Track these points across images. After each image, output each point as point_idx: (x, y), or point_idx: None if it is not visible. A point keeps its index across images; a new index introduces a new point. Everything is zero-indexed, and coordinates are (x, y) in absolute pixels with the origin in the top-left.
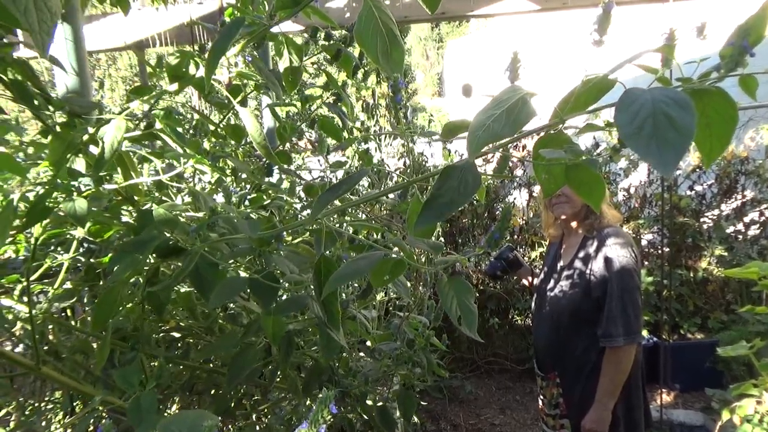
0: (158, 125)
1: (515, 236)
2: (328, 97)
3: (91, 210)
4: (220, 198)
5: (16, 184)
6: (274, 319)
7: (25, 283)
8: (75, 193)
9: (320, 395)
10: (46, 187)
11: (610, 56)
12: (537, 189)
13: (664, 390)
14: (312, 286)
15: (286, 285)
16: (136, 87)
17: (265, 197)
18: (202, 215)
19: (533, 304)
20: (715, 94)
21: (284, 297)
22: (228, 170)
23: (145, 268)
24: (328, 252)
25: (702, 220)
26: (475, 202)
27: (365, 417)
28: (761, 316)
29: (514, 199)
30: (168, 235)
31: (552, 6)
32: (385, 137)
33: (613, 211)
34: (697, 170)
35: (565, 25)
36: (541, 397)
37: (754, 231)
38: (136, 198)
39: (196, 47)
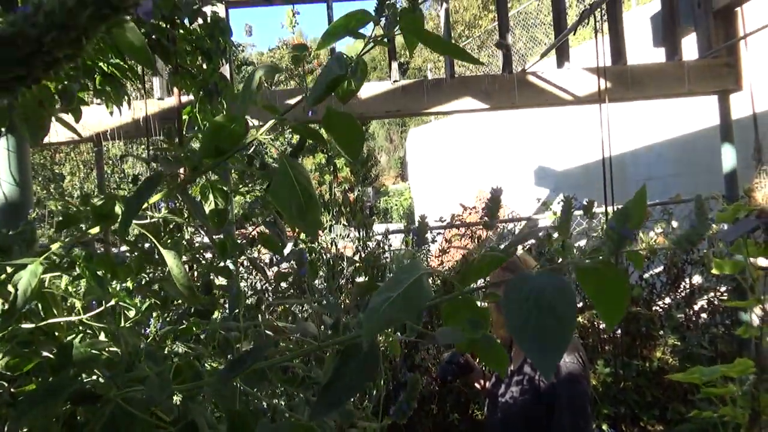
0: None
1: None
2: (267, 217)
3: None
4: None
5: None
6: None
7: None
8: None
9: None
10: None
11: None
12: None
13: None
14: None
15: None
16: (61, 221)
17: (195, 329)
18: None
19: (486, 409)
20: (605, 271)
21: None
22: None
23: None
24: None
25: (654, 308)
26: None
27: None
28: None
29: None
30: (87, 376)
31: (501, 105)
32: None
33: None
34: (646, 260)
35: (519, 118)
36: None
37: (704, 318)
38: (57, 333)
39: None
